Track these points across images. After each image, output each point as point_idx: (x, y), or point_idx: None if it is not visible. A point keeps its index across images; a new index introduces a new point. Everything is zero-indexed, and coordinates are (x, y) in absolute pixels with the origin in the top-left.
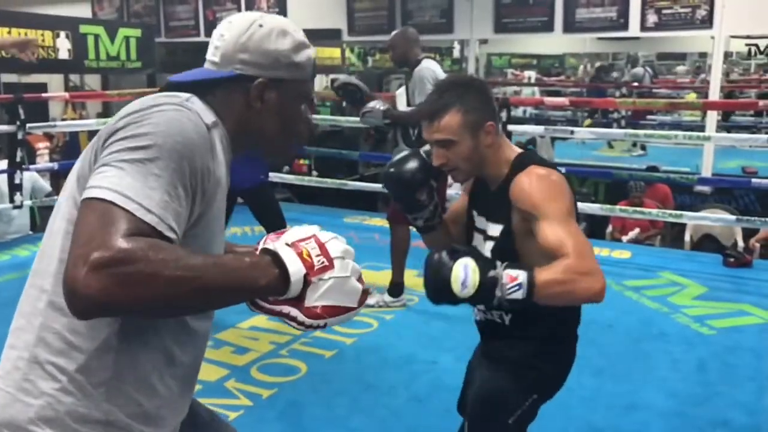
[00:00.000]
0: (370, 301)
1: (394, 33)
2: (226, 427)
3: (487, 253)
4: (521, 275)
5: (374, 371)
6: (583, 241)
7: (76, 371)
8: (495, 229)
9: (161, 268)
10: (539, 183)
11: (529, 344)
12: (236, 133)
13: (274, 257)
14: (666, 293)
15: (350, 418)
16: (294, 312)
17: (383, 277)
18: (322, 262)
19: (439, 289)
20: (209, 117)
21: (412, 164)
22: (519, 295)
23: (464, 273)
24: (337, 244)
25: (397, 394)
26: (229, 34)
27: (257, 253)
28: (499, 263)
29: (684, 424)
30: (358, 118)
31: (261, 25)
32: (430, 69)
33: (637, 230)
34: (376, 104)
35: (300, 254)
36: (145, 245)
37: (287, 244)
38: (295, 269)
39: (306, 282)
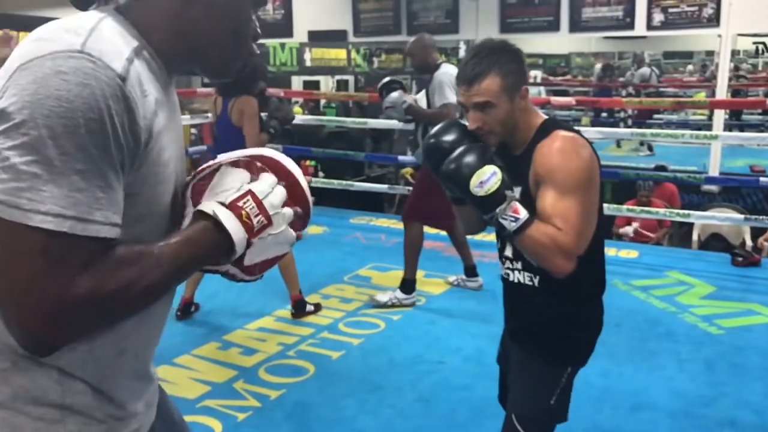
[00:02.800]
0: (383, 298)
1: (410, 41)
2: None
3: None
4: (523, 215)
5: (381, 372)
6: (578, 221)
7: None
8: (516, 192)
9: (121, 298)
10: (560, 149)
11: (558, 310)
12: (173, 43)
13: (216, 224)
14: (674, 293)
15: (358, 418)
16: (233, 270)
17: (389, 277)
18: (262, 222)
19: (457, 170)
20: (124, 48)
21: (454, 132)
22: (510, 226)
23: (489, 176)
24: (273, 198)
25: (404, 394)
26: None
27: (188, 221)
28: (514, 192)
29: (691, 424)
30: (363, 120)
31: None
32: (449, 74)
33: (636, 224)
34: (399, 99)
35: (240, 217)
36: (97, 279)
37: (224, 205)
38: (239, 238)
39: (247, 244)
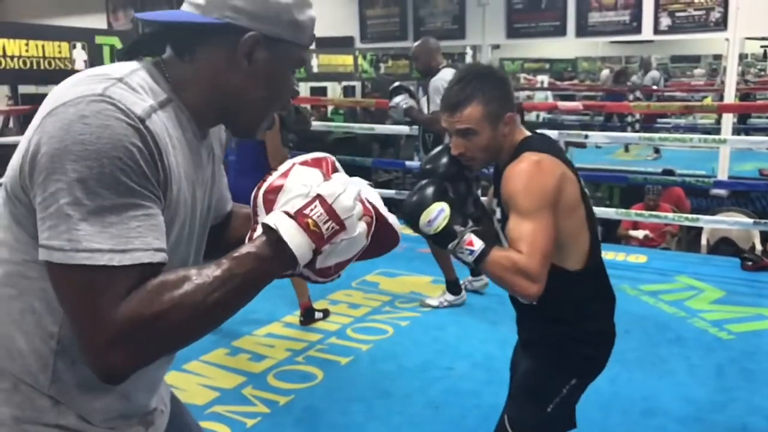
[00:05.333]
0: (433, 302)
1: (415, 44)
2: None
3: (501, 235)
4: (478, 245)
5: (390, 378)
6: (540, 243)
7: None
8: (498, 212)
9: (171, 319)
10: (520, 174)
11: (558, 327)
12: (206, 101)
13: (279, 237)
14: (683, 297)
15: (366, 424)
16: (306, 272)
17: (397, 283)
18: (333, 228)
19: (410, 213)
20: (149, 98)
21: (446, 158)
22: (468, 258)
23: (436, 214)
24: (345, 199)
25: (413, 400)
26: None
27: (258, 232)
28: (471, 223)
29: (702, 430)
30: (370, 125)
31: None
32: (444, 80)
33: (646, 231)
34: (401, 101)
35: (306, 227)
36: (142, 303)
37: (289, 215)
38: (302, 252)
39: (317, 251)
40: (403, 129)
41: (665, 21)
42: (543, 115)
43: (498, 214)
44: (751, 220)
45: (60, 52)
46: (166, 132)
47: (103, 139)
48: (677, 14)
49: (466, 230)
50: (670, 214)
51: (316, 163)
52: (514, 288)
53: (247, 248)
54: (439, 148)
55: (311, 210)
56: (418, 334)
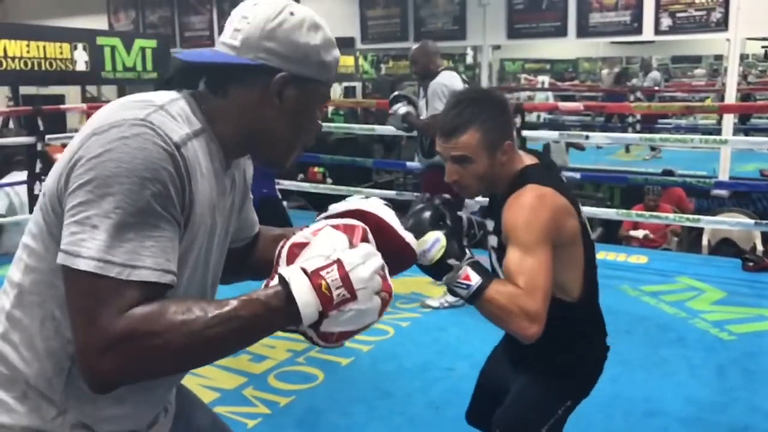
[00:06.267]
0: (434, 303)
1: (414, 48)
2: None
3: (495, 264)
4: (475, 279)
5: (391, 378)
6: (540, 281)
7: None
8: (494, 241)
9: (164, 341)
10: (523, 207)
11: (558, 348)
12: (237, 134)
13: (289, 292)
14: (684, 298)
15: (367, 425)
16: (309, 332)
17: (397, 284)
18: (343, 296)
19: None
20: (185, 126)
21: (425, 215)
22: (463, 293)
23: (431, 245)
24: (362, 271)
25: (414, 401)
26: (254, 18)
27: (275, 282)
28: (469, 255)
29: (703, 431)
30: (371, 126)
31: (293, 13)
32: (443, 84)
33: (646, 232)
34: (399, 108)
35: (318, 287)
36: (141, 319)
37: (306, 273)
38: (308, 311)
39: (323, 314)
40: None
41: (666, 21)
42: (544, 115)
43: (494, 242)
44: (752, 221)
45: (61, 52)
46: (197, 160)
47: (137, 160)
48: (678, 15)
49: (462, 263)
50: (671, 215)
51: (347, 230)
52: (510, 327)
53: (257, 294)
54: (416, 208)
55: (327, 272)
56: (419, 334)
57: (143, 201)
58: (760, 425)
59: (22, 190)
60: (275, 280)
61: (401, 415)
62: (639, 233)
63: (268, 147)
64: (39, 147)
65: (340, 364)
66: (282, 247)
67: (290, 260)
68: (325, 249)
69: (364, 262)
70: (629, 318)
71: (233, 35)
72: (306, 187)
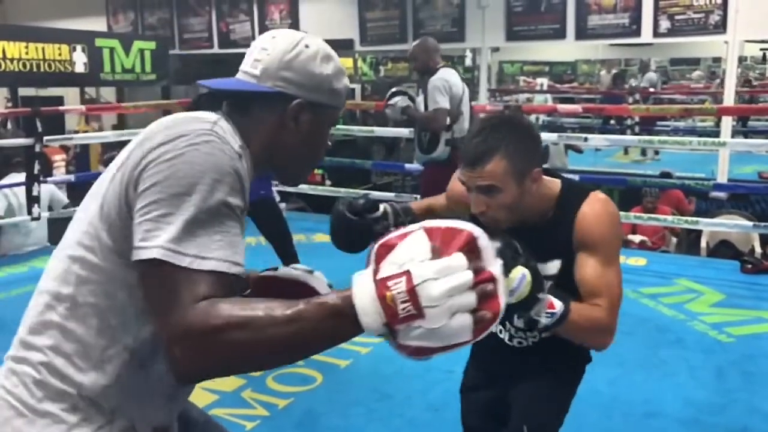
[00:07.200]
0: None
1: (414, 44)
2: (219, 430)
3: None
4: (558, 306)
5: (390, 381)
6: (618, 294)
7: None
8: (551, 267)
9: (230, 335)
10: (604, 217)
11: (561, 354)
12: (261, 153)
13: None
14: (683, 300)
15: (366, 427)
16: (392, 343)
17: None
18: (408, 311)
19: None
20: (236, 142)
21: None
22: (547, 322)
23: (519, 281)
24: (433, 288)
25: (413, 403)
26: (273, 50)
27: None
28: (546, 283)
29: None
30: (370, 128)
31: (308, 46)
32: (443, 79)
33: (644, 238)
34: (399, 100)
35: (383, 298)
36: (210, 311)
37: (374, 280)
38: (368, 321)
39: (390, 326)
40: (403, 132)
41: (664, 24)
42: (542, 117)
43: (546, 270)
44: (750, 223)
45: (60, 54)
46: (245, 169)
47: (208, 163)
48: (676, 17)
49: (547, 296)
50: (669, 217)
51: (442, 235)
52: (592, 343)
53: (327, 298)
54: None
55: (395, 283)
56: None
57: (214, 201)
58: (759, 427)
59: (21, 191)
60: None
61: (400, 418)
62: (636, 238)
63: (285, 165)
64: (37, 148)
65: (339, 366)
66: (372, 248)
67: (377, 261)
68: (403, 256)
69: (439, 278)
70: (628, 320)
71: (254, 65)
72: (305, 188)
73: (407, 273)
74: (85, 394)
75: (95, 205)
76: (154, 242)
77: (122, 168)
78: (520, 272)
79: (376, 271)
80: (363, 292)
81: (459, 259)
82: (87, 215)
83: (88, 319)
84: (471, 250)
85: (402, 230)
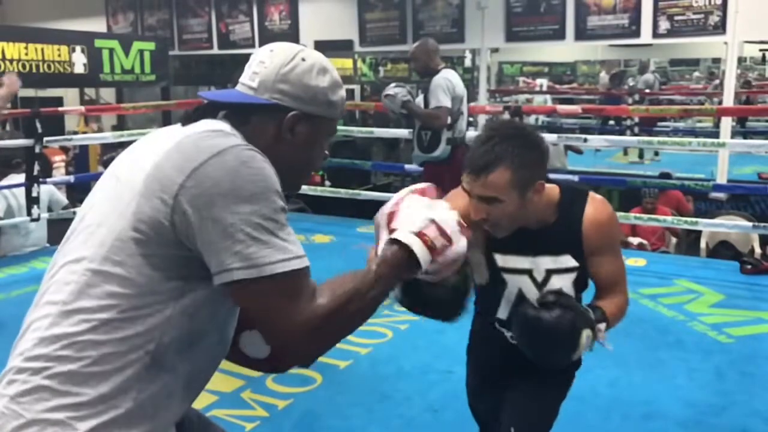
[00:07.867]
0: None
1: (414, 45)
2: (213, 428)
3: (565, 287)
4: (603, 324)
5: (389, 381)
6: (625, 273)
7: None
8: (568, 261)
9: (348, 309)
10: (610, 216)
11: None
12: None
13: (409, 251)
14: (682, 301)
15: (366, 428)
16: (421, 275)
17: None
18: (444, 244)
19: (555, 351)
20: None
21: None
22: (601, 337)
23: (587, 344)
24: (450, 219)
25: (412, 404)
26: (270, 63)
27: (390, 243)
28: (591, 314)
29: None
30: (370, 129)
31: (304, 59)
32: (446, 78)
33: (644, 241)
34: (399, 92)
35: (426, 243)
36: (327, 298)
37: (415, 234)
38: (425, 260)
39: (433, 261)
40: (403, 132)
41: (664, 24)
42: (542, 118)
43: (549, 264)
44: (750, 224)
45: (59, 55)
46: None
47: (266, 177)
48: (676, 18)
49: (599, 329)
50: (669, 218)
51: (423, 193)
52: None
53: (381, 259)
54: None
55: (429, 230)
56: (418, 337)
57: (279, 207)
58: (759, 428)
59: (20, 192)
60: (382, 244)
61: (400, 418)
62: (635, 241)
63: (282, 174)
64: (37, 149)
65: (338, 367)
66: (377, 217)
67: (388, 224)
68: (419, 215)
69: (447, 214)
70: (627, 320)
71: (252, 77)
72: (305, 189)
73: (432, 221)
74: (99, 402)
75: (124, 223)
76: (257, 260)
77: (152, 182)
78: (586, 335)
79: (398, 229)
80: (413, 242)
81: (444, 203)
82: (110, 230)
83: (111, 330)
84: (435, 195)
85: (394, 199)
